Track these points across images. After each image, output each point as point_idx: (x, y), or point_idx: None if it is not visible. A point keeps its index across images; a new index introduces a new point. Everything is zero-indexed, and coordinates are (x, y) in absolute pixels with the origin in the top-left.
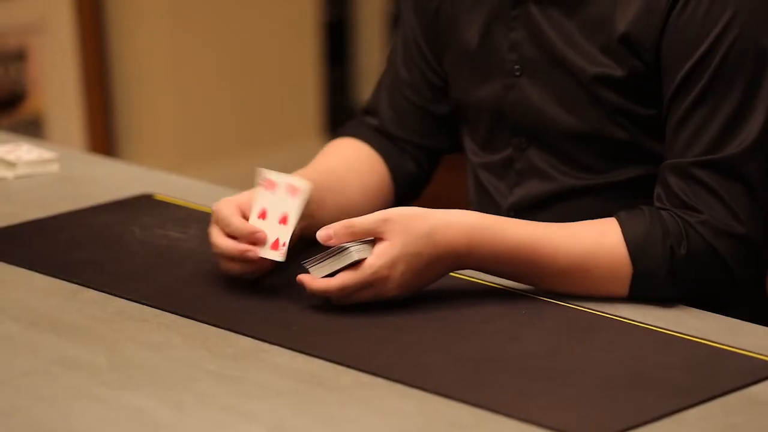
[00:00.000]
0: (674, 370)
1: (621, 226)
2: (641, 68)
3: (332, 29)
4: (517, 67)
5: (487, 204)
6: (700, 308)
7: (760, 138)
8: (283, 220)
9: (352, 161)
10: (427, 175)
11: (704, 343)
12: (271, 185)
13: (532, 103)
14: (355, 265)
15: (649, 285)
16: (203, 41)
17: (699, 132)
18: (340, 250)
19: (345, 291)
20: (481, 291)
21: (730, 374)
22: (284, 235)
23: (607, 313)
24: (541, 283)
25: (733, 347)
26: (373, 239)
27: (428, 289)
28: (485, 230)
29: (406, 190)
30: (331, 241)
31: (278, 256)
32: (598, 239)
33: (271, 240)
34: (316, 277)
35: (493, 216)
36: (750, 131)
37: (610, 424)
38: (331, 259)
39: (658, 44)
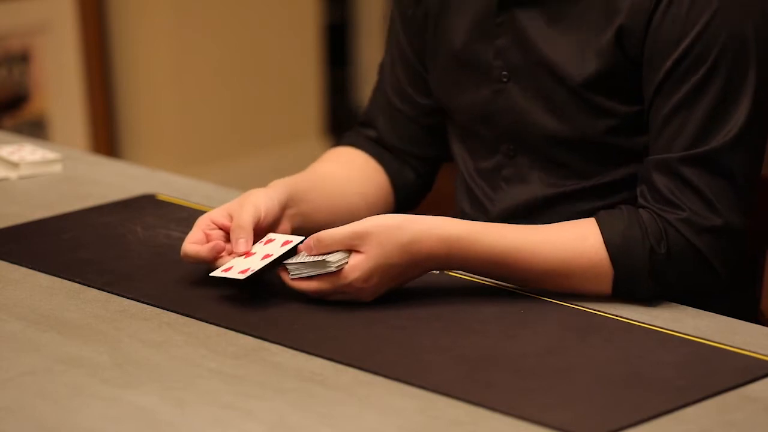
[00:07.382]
0: (671, 368)
1: (600, 228)
2: (627, 66)
3: (333, 31)
4: (504, 73)
5: (475, 210)
6: (694, 306)
7: (744, 129)
8: (265, 257)
9: (350, 168)
10: (427, 183)
11: (701, 342)
12: (269, 240)
13: (519, 109)
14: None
15: (631, 285)
16: (205, 43)
17: (684, 126)
18: (321, 259)
19: (319, 294)
20: (480, 290)
21: (727, 372)
22: (257, 265)
23: (604, 312)
24: (523, 285)
25: (729, 346)
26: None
27: (428, 289)
28: (462, 240)
29: (406, 198)
30: (312, 252)
31: (239, 276)
32: (577, 243)
33: (241, 267)
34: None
35: (473, 223)
36: (734, 123)
37: (607, 423)
38: (310, 267)
39: (644, 41)
